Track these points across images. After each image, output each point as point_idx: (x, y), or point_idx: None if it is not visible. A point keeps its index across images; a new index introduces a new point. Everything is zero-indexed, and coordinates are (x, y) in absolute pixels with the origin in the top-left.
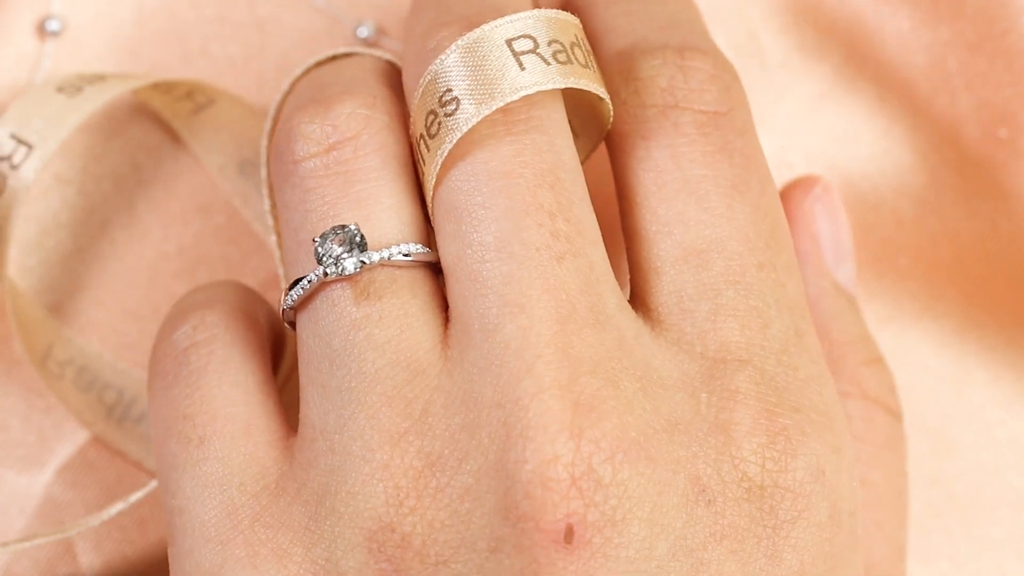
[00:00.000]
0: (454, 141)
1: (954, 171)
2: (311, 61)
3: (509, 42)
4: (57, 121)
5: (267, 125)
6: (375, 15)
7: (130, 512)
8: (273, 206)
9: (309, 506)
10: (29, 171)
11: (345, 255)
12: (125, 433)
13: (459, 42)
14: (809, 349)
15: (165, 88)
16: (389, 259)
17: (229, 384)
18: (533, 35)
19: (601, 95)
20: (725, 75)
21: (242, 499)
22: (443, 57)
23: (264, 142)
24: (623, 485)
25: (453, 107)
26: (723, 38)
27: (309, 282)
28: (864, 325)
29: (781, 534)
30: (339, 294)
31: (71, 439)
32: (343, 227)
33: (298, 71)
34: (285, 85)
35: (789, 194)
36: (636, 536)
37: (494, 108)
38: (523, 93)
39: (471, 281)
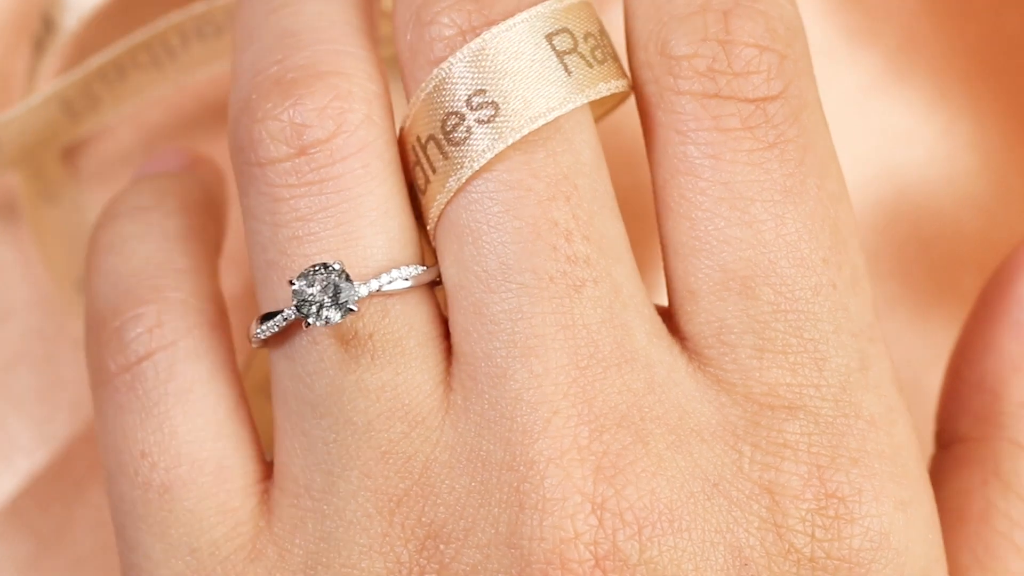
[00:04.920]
0: (496, 151)
1: None
2: None
3: (550, 38)
4: None
5: None
6: None
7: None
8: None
9: None
10: None
11: (328, 303)
12: None
13: (492, 32)
14: (877, 383)
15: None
16: (379, 290)
17: (196, 415)
18: (570, 28)
19: (628, 90)
20: (778, 42)
21: (212, 564)
22: (471, 48)
23: None
24: (652, 563)
25: (490, 112)
26: None
27: (286, 319)
28: None
29: None
30: (321, 331)
31: None
32: (324, 267)
33: None
34: None
35: None
36: None
37: (541, 123)
38: (571, 106)
39: (477, 314)
